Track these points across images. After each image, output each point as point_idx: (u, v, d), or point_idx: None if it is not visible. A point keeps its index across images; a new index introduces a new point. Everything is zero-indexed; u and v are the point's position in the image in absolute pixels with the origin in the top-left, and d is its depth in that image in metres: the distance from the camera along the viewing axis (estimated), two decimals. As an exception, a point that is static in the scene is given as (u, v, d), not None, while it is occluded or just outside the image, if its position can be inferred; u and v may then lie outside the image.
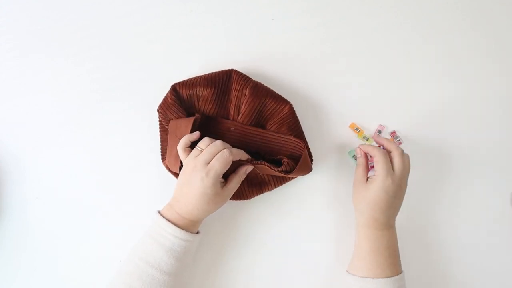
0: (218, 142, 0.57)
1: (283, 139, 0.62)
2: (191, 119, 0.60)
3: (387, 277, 0.56)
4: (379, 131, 0.68)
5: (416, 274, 0.67)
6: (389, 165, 0.58)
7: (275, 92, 0.65)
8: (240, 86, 0.63)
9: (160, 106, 0.64)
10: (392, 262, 0.58)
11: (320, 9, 0.70)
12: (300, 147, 0.61)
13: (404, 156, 0.60)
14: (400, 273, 0.58)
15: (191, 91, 0.63)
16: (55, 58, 0.69)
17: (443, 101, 0.70)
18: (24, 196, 0.68)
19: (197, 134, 0.59)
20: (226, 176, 0.59)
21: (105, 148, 0.68)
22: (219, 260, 0.66)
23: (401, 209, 0.68)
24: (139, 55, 0.69)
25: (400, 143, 0.68)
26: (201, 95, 0.63)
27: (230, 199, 0.63)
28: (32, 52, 0.69)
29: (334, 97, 0.69)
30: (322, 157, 0.68)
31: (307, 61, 0.69)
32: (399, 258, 0.60)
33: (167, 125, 0.64)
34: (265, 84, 0.66)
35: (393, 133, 0.68)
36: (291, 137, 0.62)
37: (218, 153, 0.56)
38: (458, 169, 0.69)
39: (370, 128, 0.69)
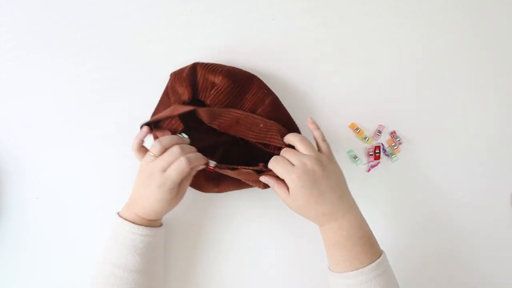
0: (175, 149, 0.55)
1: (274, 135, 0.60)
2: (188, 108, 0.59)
3: (357, 269, 0.53)
4: (379, 131, 0.68)
5: (415, 274, 0.67)
6: (284, 167, 0.54)
7: (291, 118, 0.65)
8: (262, 94, 0.63)
9: (175, 73, 0.64)
10: (361, 251, 0.54)
11: (320, 9, 0.70)
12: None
13: (301, 142, 0.56)
14: (373, 262, 0.53)
15: (209, 76, 0.62)
16: (55, 58, 0.69)
17: (443, 101, 0.70)
18: (24, 196, 0.68)
19: (145, 131, 0.58)
20: None
21: (105, 148, 0.68)
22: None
23: (399, 209, 0.68)
24: (139, 55, 0.69)
25: (400, 143, 0.68)
26: (217, 83, 0.62)
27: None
28: (32, 52, 0.69)
29: (334, 97, 0.69)
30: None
31: (307, 61, 0.69)
32: (372, 244, 0.55)
33: (171, 92, 0.64)
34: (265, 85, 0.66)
35: (393, 133, 0.68)
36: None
37: (174, 160, 0.55)
38: (458, 169, 0.69)
39: (370, 128, 0.69)
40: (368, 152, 0.68)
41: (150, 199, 0.55)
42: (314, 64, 0.69)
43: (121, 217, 0.58)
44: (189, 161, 0.55)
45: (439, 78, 0.70)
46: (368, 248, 0.54)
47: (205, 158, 0.58)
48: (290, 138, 0.58)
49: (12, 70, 0.69)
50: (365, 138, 0.68)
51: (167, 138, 0.57)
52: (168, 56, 0.69)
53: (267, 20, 0.69)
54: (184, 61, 0.69)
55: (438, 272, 0.68)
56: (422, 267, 0.68)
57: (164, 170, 0.54)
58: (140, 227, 0.56)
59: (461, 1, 0.71)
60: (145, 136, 0.59)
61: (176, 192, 0.56)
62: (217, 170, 0.58)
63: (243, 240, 0.67)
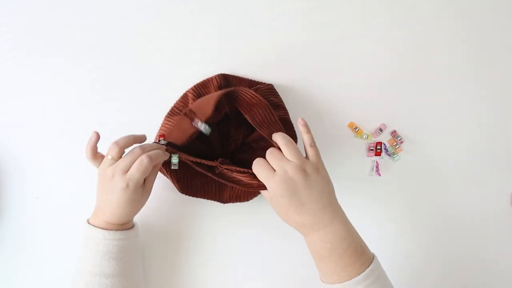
0: (136, 149, 0.55)
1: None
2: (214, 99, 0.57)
3: (344, 281, 0.51)
4: (380, 129, 0.68)
5: (415, 274, 0.67)
6: (264, 172, 0.53)
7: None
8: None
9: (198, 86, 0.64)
10: (347, 263, 0.52)
11: (320, 9, 0.70)
12: None
13: (287, 146, 0.53)
14: (362, 273, 0.51)
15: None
16: (55, 58, 0.69)
17: (443, 101, 0.70)
18: (24, 196, 0.68)
19: (95, 136, 0.56)
20: None
21: (105, 148, 0.68)
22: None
23: (399, 209, 0.68)
24: (139, 55, 0.69)
25: (401, 142, 0.68)
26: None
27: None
28: (32, 52, 0.69)
29: (334, 97, 0.69)
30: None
31: (307, 61, 0.69)
32: (360, 254, 0.52)
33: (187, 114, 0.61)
34: (265, 83, 0.66)
35: (393, 133, 0.68)
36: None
37: (136, 159, 0.53)
38: (458, 168, 0.69)
39: (369, 128, 0.69)
40: (369, 147, 0.68)
41: (117, 204, 0.54)
42: (314, 64, 0.69)
43: (90, 224, 0.57)
44: (150, 159, 0.53)
45: (439, 78, 0.70)
46: (355, 260, 0.52)
47: (167, 154, 0.57)
48: (277, 138, 0.55)
49: (12, 70, 0.69)
50: (364, 136, 0.68)
51: (123, 138, 0.56)
52: (168, 56, 0.69)
53: (267, 20, 0.69)
54: (184, 61, 0.69)
55: (438, 271, 0.68)
56: (421, 266, 0.68)
57: (126, 172, 0.53)
58: (112, 232, 0.55)
59: (462, 1, 0.71)
60: (97, 141, 0.56)
61: (142, 191, 0.56)
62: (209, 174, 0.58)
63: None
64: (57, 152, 0.68)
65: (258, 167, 0.54)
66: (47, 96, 0.69)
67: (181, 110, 0.64)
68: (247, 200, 0.65)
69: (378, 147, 0.68)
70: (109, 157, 0.55)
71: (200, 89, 0.65)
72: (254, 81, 0.67)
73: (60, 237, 0.67)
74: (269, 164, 0.53)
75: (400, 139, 0.68)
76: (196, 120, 0.58)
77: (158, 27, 0.69)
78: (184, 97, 0.65)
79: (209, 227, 0.67)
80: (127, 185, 0.53)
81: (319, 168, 0.54)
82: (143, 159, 0.53)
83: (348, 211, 0.68)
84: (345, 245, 0.52)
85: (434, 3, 0.70)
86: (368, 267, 0.52)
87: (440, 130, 0.69)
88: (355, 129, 0.68)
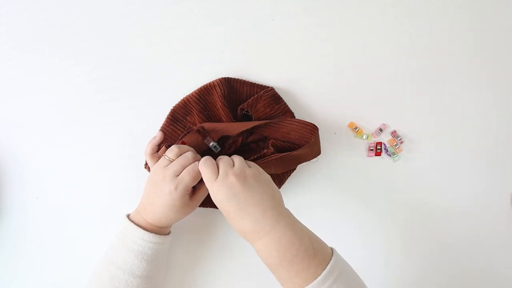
0: (189, 154, 0.55)
1: (295, 123, 0.62)
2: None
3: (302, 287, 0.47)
4: (380, 129, 0.68)
5: (413, 274, 0.67)
6: (207, 173, 0.51)
7: None
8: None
9: (200, 92, 0.65)
10: (301, 268, 0.48)
11: (320, 9, 0.70)
12: (311, 129, 0.62)
13: (235, 156, 0.55)
14: (318, 276, 0.47)
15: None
16: (55, 58, 0.69)
17: (443, 101, 0.70)
18: (24, 196, 0.68)
19: (160, 136, 0.58)
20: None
21: (106, 148, 0.68)
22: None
23: (399, 209, 0.68)
24: (139, 56, 0.69)
25: (401, 142, 0.68)
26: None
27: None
28: (32, 52, 0.69)
29: (334, 97, 0.69)
30: (320, 158, 0.68)
31: (307, 61, 0.69)
32: (314, 255, 0.48)
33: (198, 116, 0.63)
34: (264, 85, 0.67)
35: (393, 133, 0.69)
36: (302, 121, 0.62)
37: (188, 165, 0.54)
38: (457, 168, 0.69)
39: (370, 128, 0.69)
40: (369, 147, 0.68)
41: (161, 205, 0.54)
42: (314, 64, 0.69)
43: (131, 220, 0.57)
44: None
45: (439, 78, 0.70)
46: (308, 264, 0.48)
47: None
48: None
49: (12, 70, 0.69)
50: (364, 136, 0.68)
51: (184, 146, 0.57)
52: (168, 56, 0.69)
53: (267, 20, 0.70)
54: (184, 61, 0.69)
55: (437, 272, 0.68)
56: (421, 266, 0.68)
57: (177, 175, 0.54)
58: (150, 234, 0.55)
59: (462, 1, 0.71)
60: (159, 141, 0.58)
61: (188, 199, 0.55)
62: None
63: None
64: (57, 152, 0.68)
65: (205, 167, 0.52)
66: (47, 96, 0.69)
67: (183, 116, 0.65)
68: None
69: (378, 147, 0.68)
70: (167, 157, 0.55)
71: (204, 96, 0.65)
72: (255, 84, 0.67)
73: (60, 237, 0.67)
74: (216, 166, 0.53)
75: (400, 139, 0.68)
76: (209, 138, 0.61)
77: (158, 27, 0.69)
78: (185, 102, 0.65)
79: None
80: (176, 188, 0.53)
81: (260, 172, 0.54)
82: (196, 164, 0.54)
83: (347, 211, 0.68)
84: (294, 249, 0.48)
85: (434, 3, 0.70)
86: (325, 268, 0.48)
87: (440, 130, 0.69)
88: (355, 129, 0.68)
